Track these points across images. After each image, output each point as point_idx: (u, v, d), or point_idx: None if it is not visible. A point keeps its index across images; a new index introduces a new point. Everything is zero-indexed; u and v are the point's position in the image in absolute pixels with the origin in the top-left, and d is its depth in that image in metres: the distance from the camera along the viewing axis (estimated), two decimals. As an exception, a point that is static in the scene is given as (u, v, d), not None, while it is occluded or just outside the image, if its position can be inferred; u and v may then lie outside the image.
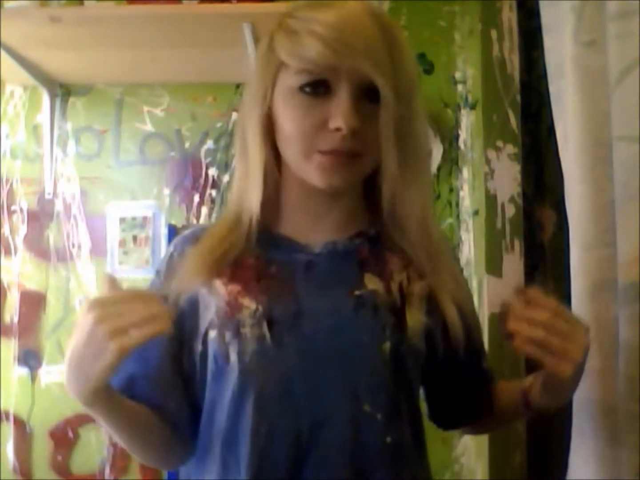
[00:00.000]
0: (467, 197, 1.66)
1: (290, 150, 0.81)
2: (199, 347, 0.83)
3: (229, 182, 1.70)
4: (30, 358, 1.71)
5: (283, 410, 0.78)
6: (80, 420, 1.69)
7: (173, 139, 1.76)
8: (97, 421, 0.79)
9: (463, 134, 1.69)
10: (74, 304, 1.72)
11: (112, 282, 0.73)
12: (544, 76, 1.40)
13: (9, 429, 1.70)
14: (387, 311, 0.81)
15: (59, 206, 1.75)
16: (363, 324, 0.80)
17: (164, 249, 1.67)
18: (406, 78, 0.79)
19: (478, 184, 1.59)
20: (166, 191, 1.75)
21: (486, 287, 1.52)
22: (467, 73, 1.69)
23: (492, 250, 1.54)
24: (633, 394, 1.07)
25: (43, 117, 1.75)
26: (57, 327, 1.72)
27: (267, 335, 0.78)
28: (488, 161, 1.55)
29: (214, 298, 0.82)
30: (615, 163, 1.14)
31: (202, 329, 0.82)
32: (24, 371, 1.71)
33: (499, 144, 1.56)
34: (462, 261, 1.67)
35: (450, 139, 1.70)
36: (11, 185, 1.76)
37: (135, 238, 1.73)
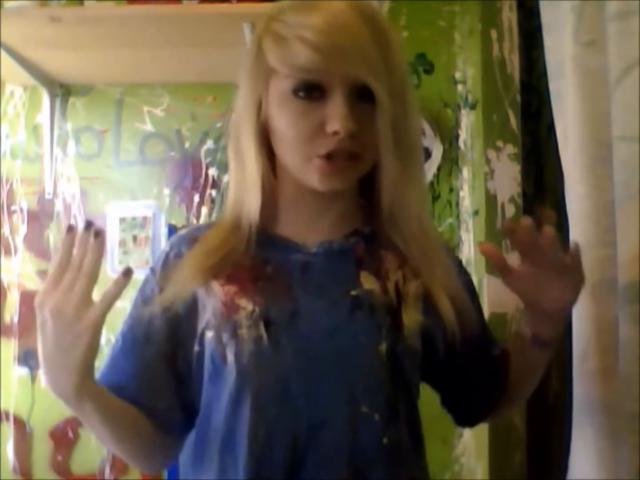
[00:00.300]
0: (467, 197, 1.66)
1: (289, 155, 0.81)
2: (195, 348, 0.82)
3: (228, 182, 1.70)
4: (30, 358, 1.71)
5: (281, 411, 0.78)
6: (80, 420, 1.69)
7: (173, 139, 1.76)
8: (83, 423, 0.79)
9: (463, 134, 1.69)
10: (74, 304, 1.72)
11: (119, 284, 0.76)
12: (544, 76, 1.40)
13: (9, 429, 1.70)
14: (383, 311, 0.81)
15: (59, 206, 1.75)
16: (359, 325, 0.80)
17: (164, 249, 1.67)
18: (398, 75, 0.79)
19: (478, 184, 1.59)
20: (166, 191, 1.75)
21: (486, 287, 1.52)
22: (467, 73, 1.69)
23: (492, 250, 1.54)
24: (633, 394, 1.07)
25: (43, 117, 1.74)
26: (57, 327, 1.71)
27: (264, 336, 0.78)
28: (488, 161, 1.55)
29: (210, 299, 0.82)
30: (615, 163, 1.14)
31: (198, 329, 0.82)
32: (24, 371, 1.71)
33: (499, 144, 1.56)
34: (462, 261, 1.67)
35: (450, 139, 1.70)
36: (11, 185, 1.76)
37: (135, 238, 1.73)
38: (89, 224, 0.75)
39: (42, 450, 1.70)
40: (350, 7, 0.77)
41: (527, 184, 1.59)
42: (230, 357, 0.78)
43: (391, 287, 0.83)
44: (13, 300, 1.73)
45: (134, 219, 1.73)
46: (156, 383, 0.84)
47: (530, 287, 0.85)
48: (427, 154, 1.68)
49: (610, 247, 1.16)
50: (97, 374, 0.83)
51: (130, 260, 1.72)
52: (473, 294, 0.95)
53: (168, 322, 0.83)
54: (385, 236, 0.86)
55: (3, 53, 1.53)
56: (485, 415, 1.00)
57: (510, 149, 1.55)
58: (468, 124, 1.67)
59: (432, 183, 1.69)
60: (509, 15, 1.58)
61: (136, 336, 0.85)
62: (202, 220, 1.72)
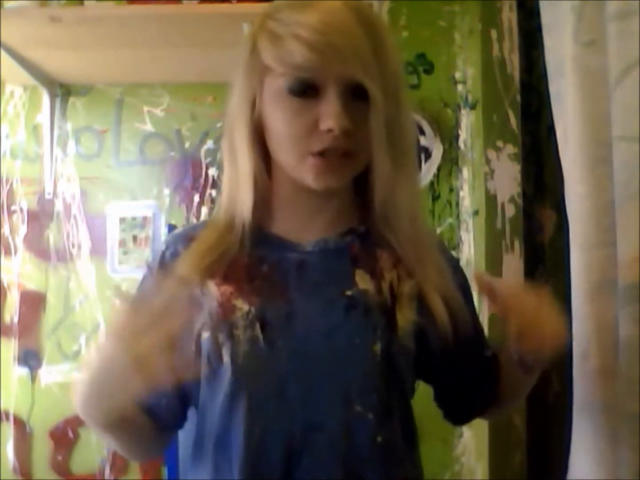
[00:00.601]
0: (467, 197, 1.66)
1: (283, 153, 0.81)
2: (192, 347, 0.82)
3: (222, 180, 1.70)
4: (30, 358, 1.71)
5: (276, 411, 0.78)
6: (80, 420, 1.66)
7: (173, 139, 1.76)
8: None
9: (463, 134, 1.69)
10: (74, 304, 1.72)
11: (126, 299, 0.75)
12: (544, 76, 1.40)
13: (9, 429, 1.70)
14: (377, 312, 0.81)
15: (59, 206, 1.75)
16: (354, 326, 0.80)
17: (164, 249, 1.67)
18: (392, 75, 0.79)
19: (478, 184, 1.59)
20: (166, 191, 1.75)
21: (486, 287, 1.52)
22: (467, 73, 1.69)
23: (492, 250, 1.54)
24: (633, 394, 1.07)
25: (43, 117, 1.74)
26: (57, 327, 1.72)
27: (260, 337, 0.78)
28: (488, 161, 1.55)
29: (206, 299, 0.82)
30: (615, 163, 1.14)
31: (195, 329, 0.82)
32: (24, 371, 1.71)
33: (499, 144, 1.56)
34: (462, 261, 1.67)
35: (450, 139, 1.69)
36: (11, 185, 1.76)
37: (135, 238, 1.73)
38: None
39: (42, 450, 1.70)
40: (346, 6, 0.77)
41: (527, 184, 1.59)
42: (226, 358, 0.79)
43: (386, 287, 0.83)
44: (13, 300, 1.73)
45: (134, 219, 1.73)
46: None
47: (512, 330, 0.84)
48: (427, 154, 1.68)
49: (610, 247, 1.16)
50: None
51: (131, 260, 1.72)
52: (468, 294, 0.94)
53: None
54: (380, 234, 0.87)
55: (3, 53, 1.53)
56: (476, 414, 1.00)
57: (510, 149, 1.55)
58: (468, 124, 1.67)
59: (432, 183, 1.69)
60: (509, 15, 1.58)
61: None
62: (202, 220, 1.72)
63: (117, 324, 0.73)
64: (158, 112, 1.76)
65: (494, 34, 1.58)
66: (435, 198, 1.70)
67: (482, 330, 0.97)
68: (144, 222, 1.73)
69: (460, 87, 1.70)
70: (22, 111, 1.77)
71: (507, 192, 1.55)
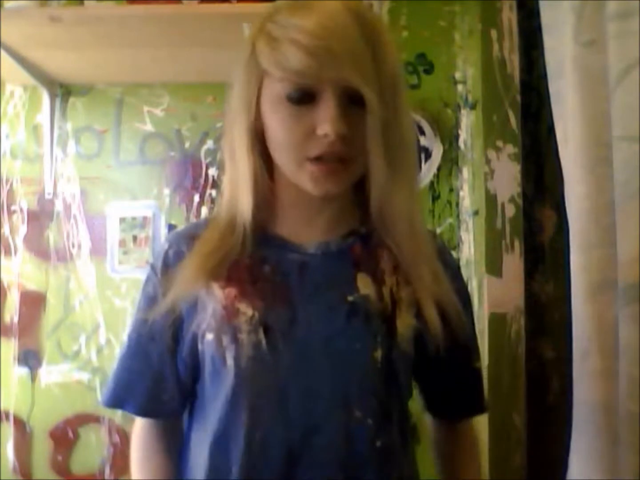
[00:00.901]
0: (467, 197, 1.66)
1: (282, 157, 0.81)
2: (197, 346, 0.84)
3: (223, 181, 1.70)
4: (30, 358, 1.71)
5: (277, 414, 0.79)
6: (80, 420, 1.69)
7: (173, 139, 1.76)
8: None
9: (463, 134, 1.69)
10: (74, 304, 1.72)
11: None
12: (544, 76, 1.40)
13: (9, 429, 1.70)
14: (378, 318, 0.82)
15: (59, 206, 1.75)
16: (355, 332, 0.81)
17: (164, 249, 1.67)
18: (391, 79, 0.79)
19: (478, 184, 1.59)
20: (166, 191, 1.75)
21: (486, 287, 1.52)
22: (467, 73, 1.69)
23: (492, 250, 1.54)
24: (633, 394, 1.07)
25: (43, 117, 1.74)
26: (57, 327, 1.72)
27: (263, 341, 0.79)
28: (488, 161, 1.55)
29: (211, 300, 0.82)
30: (616, 163, 1.14)
31: (199, 330, 0.83)
32: (24, 371, 1.71)
33: (499, 144, 1.56)
34: (462, 261, 1.67)
35: (450, 139, 1.69)
36: (11, 185, 1.76)
37: (135, 238, 1.73)
38: None
39: (42, 450, 1.70)
40: (345, 9, 0.76)
41: (527, 184, 1.59)
42: (230, 361, 0.80)
43: (387, 291, 0.84)
44: (13, 300, 1.73)
45: (134, 219, 1.73)
46: (162, 378, 0.87)
47: None
48: (427, 154, 1.68)
49: (610, 247, 1.17)
50: (110, 376, 0.90)
51: (131, 260, 1.72)
52: (465, 301, 0.93)
53: (171, 321, 0.84)
54: (380, 236, 0.87)
55: (3, 53, 1.53)
56: (456, 417, 0.98)
57: (510, 149, 1.55)
58: (468, 124, 1.67)
59: (432, 183, 1.69)
60: (509, 15, 1.58)
61: (142, 336, 0.88)
62: (202, 220, 1.72)
63: None
64: (158, 112, 1.76)
65: (494, 34, 1.58)
66: (435, 198, 1.70)
67: (475, 340, 0.96)
68: (144, 222, 1.73)
69: (460, 87, 1.70)
70: (22, 111, 1.77)
71: (507, 192, 1.55)
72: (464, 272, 1.64)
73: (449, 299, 0.85)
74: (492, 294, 1.51)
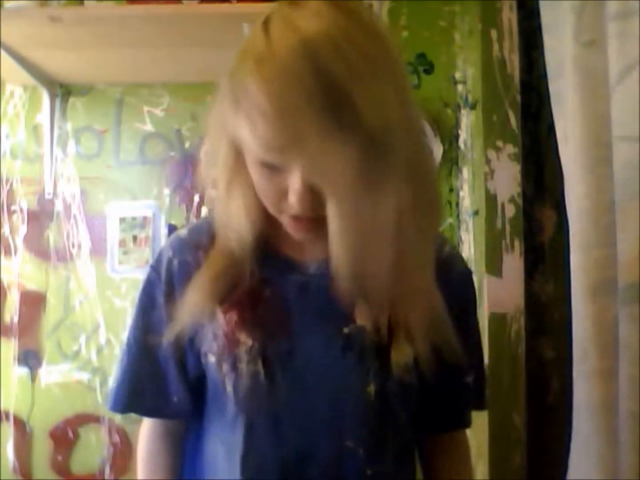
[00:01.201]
0: (467, 197, 1.67)
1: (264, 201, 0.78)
2: (201, 361, 0.85)
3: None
4: (30, 358, 1.71)
5: (272, 441, 0.81)
6: (80, 420, 1.69)
7: (173, 139, 1.76)
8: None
9: (463, 134, 1.69)
10: (74, 304, 1.72)
11: None
12: (544, 76, 1.40)
13: (9, 429, 1.70)
14: (372, 352, 0.81)
15: (59, 206, 1.75)
16: (349, 367, 0.81)
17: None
18: (385, 128, 0.67)
19: (478, 184, 1.59)
20: (166, 191, 1.75)
21: (486, 287, 1.52)
22: (467, 73, 1.69)
23: (492, 250, 1.54)
24: (633, 394, 1.07)
25: (43, 117, 1.74)
26: (57, 327, 1.72)
27: (262, 372, 0.81)
28: (488, 161, 1.55)
29: (212, 323, 0.83)
30: (616, 163, 1.14)
31: (202, 347, 0.84)
32: (24, 371, 1.71)
33: (499, 144, 1.56)
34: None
35: (450, 139, 1.70)
36: (11, 185, 1.76)
37: (135, 238, 1.73)
38: None
39: (42, 450, 1.70)
40: (310, 66, 0.64)
41: (527, 184, 1.59)
42: (229, 387, 0.82)
43: (384, 318, 0.81)
44: (13, 300, 1.73)
45: (134, 219, 1.73)
46: (170, 380, 0.87)
47: None
48: (427, 154, 1.68)
49: (610, 247, 1.17)
50: (115, 381, 0.90)
51: (131, 260, 1.72)
52: (471, 310, 0.92)
53: (179, 337, 0.84)
54: None
55: (3, 53, 1.53)
56: (436, 430, 0.96)
57: (510, 149, 1.55)
58: (468, 124, 1.67)
59: (432, 183, 1.69)
60: (509, 15, 1.58)
61: (146, 339, 0.87)
62: (202, 220, 1.72)
63: None
64: (158, 112, 1.76)
65: (494, 34, 1.58)
66: (435, 198, 1.69)
67: (473, 354, 0.93)
68: (144, 222, 1.73)
69: (460, 87, 1.70)
70: (22, 111, 1.77)
71: (507, 192, 1.55)
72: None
73: (442, 334, 0.82)
74: (492, 294, 1.51)
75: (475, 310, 0.94)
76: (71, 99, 1.77)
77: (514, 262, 1.53)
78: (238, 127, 0.71)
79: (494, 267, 1.53)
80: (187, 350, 0.85)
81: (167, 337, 0.83)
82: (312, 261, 0.84)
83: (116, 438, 1.68)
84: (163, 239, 1.71)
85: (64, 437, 1.69)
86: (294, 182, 0.70)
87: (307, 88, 0.65)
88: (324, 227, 0.73)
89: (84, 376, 1.70)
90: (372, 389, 0.81)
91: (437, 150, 1.68)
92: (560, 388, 1.52)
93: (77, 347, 1.71)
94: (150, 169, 1.76)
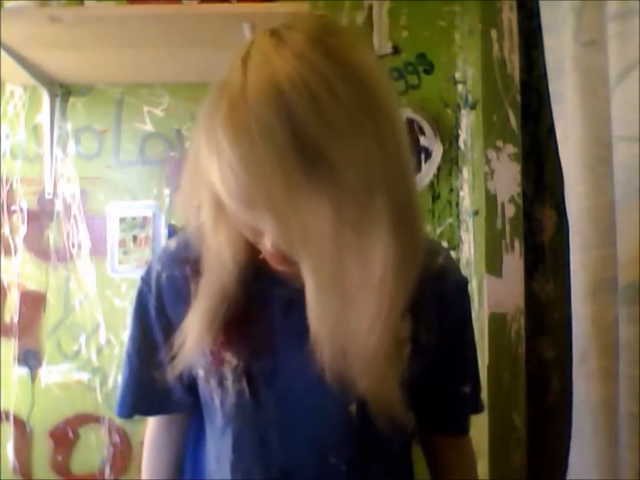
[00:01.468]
0: (467, 197, 1.67)
1: None
2: (193, 371, 0.86)
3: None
4: (30, 358, 1.71)
5: (257, 455, 0.84)
6: (80, 420, 1.69)
7: (173, 139, 1.76)
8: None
9: (463, 134, 1.69)
10: (74, 304, 1.72)
11: None
12: (544, 76, 1.40)
13: (9, 429, 1.70)
14: None
15: (59, 206, 1.75)
16: (330, 387, 0.78)
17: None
18: (353, 190, 0.62)
19: (478, 184, 1.59)
20: (166, 191, 1.75)
21: (486, 287, 1.52)
22: (467, 73, 1.69)
23: (492, 250, 1.54)
24: (633, 394, 1.07)
25: (43, 117, 1.74)
26: (57, 327, 1.72)
27: (247, 390, 0.83)
28: (488, 161, 1.55)
29: None
30: (615, 163, 1.14)
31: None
32: (24, 371, 1.71)
33: (499, 144, 1.56)
34: (462, 261, 1.67)
35: (450, 139, 1.70)
36: (11, 185, 1.76)
37: (135, 238, 1.73)
38: None
39: (42, 450, 1.70)
40: (278, 118, 0.60)
41: (527, 184, 1.59)
42: (217, 402, 0.85)
43: None
44: (13, 300, 1.73)
45: (134, 219, 1.73)
46: (168, 385, 0.88)
47: None
48: (427, 154, 1.68)
49: (610, 247, 1.16)
50: (118, 390, 0.93)
51: (131, 260, 1.72)
52: (465, 325, 0.91)
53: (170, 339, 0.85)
54: None
55: (3, 53, 1.53)
56: (433, 431, 0.96)
57: (510, 149, 1.55)
58: (468, 124, 1.67)
59: (432, 183, 1.69)
60: (509, 15, 1.58)
61: (145, 351, 0.90)
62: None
63: None
64: (158, 112, 1.76)
65: (494, 34, 1.58)
66: (435, 198, 1.70)
67: (469, 366, 0.93)
68: (144, 222, 1.73)
69: (460, 87, 1.70)
70: (22, 111, 1.77)
71: (507, 192, 1.55)
72: (464, 272, 1.64)
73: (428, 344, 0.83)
74: (492, 294, 1.51)
75: (471, 320, 0.93)
76: (71, 99, 1.77)
77: (514, 262, 1.53)
78: (211, 171, 0.65)
79: (494, 267, 1.53)
80: None
81: (172, 373, 0.84)
82: (298, 275, 0.78)
83: (116, 438, 1.68)
84: (163, 239, 1.71)
85: (64, 437, 1.69)
86: (266, 240, 0.68)
87: (278, 143, 0.59)
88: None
89: (84, 376, 1.70)
90: (353, 407, 0.82)
91: (437, 150, 1.68)
92: (560, 388, 1.52)
93: (77, 347, 1.71)
94: (150, 169, 1.76)
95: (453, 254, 1.68)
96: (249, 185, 0.62)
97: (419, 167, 1.68)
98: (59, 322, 1.72)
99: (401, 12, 1.72)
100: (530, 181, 1.61)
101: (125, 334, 0.93)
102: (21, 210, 1.75)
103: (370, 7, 1.72)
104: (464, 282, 0.91)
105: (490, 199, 1.55)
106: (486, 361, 1.49)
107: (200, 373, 0.85)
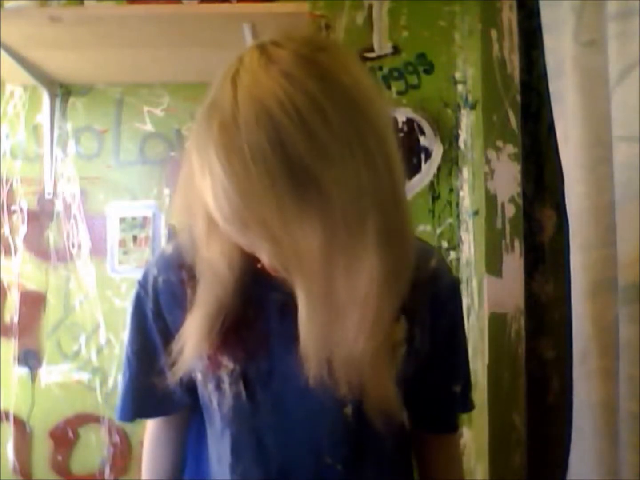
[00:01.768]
0: (467, 197, 1.67)
1: None
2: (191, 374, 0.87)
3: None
4: (30, 358, 1.71)
5: (255, 456, 0.85)
6: (80, 420, 1.69)
7: (173, 139, 1.76)
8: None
9: (463, 134, 1.69)
10: (74, 304, 1.72)
11: None
12: (544, 76, 1.40)
13: (9, 429, 1.70)
14: None
15: (59, 206, 1.75)
16: (325, 390, 0.78)
17: (164, 249, 1.67)
18: (344, 213, 0.62)
19: (478, 184, 1.59)
20: (166, 191, 1.75)
21: (486, 287, 1.52)
22: (467, 73, 1.69)
23: (492, 250, 1.54)
24: (633, 394, 1.07)
25: (43, 117, 1.74)
26: (57, 327, 1.72)
27: (243, 393, 0.84)
28: (488, 161, 1.55)
29: None
30: (615, 163, 1.14)
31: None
32: (24, 371, 1.71)
33: (499, 144, 1.56)
34: (462, 261, 1.67)
35: (450, 139, 1.70)
36: (11, 185, 1.76)
37: (135, 238, 1.73)
38: None
39: (42, 450, 1.70)
40: (277, 144, 0.60)
41: (527, 184, 1.59)
42: (215, 404, 0.86)
43: None
44: (13, 300, 1.73)
45: (134, 219, 1.73)
46: (169, 387, 0.88)
47: None
48: (427, 154, 1.68)
49: (610, 247, 1.17)
50: (119, 395, 0.93)
51: (131, 260, 1.72)
52: (456, 325, 0.91)
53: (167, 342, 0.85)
54: None
55: (3, 53, 1.53)
56: (423, 428, 0.96)
57: (510, 149, 1.55)
58: (468, 124, 1.67)
59: (432, 183, 1.69)
60: (509, 15, 1.58)
61: (144, 355, 0.90)
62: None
63: None
64: (158, 112, 1.76)
65: (494, 34, 1.58)
66: (435, 198, 1.70)
67: (461, 365, 0.94)
68: (144, 222, 1.73)
69: (460, 87, 1.70)
70: (22, 111, 1.77)
71: (507, 192, 1.55)
72: (464, 272, 1.64)
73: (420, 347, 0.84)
74: (492, 294, 1.51)
75: (463, 321, 0.94)
76: (71, 99, 1.77)
77: (514, 262, 1.53)
78: (204, 190, 0.65)
79: (494, 267, 1.53)
80: None
81: (172, 379, 0.84)
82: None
83: (116, 438, 1.68)
84: (163, 239, 1.71)
85: (64, 437, 1.69)
86: (262, 258, 0.69)
87: (270, 166, 0.60)
88: None
89: (84, 376, 1.70)
90: (349, 409, 0.82)
91: (437, 150, 1.68)
92: (560, 388, 1.52)
93: (77, 347, 1.71)
94: (150, 169, 1.76)
95: (453, 254, 1.68)
96: (242, 209, 0.63)
97: (419, 167, 1.68)
98: (59, 322, 1.72)
99: (401, 12, 1.72)
100: (530, 181, 1.61)
101: (125, 334, 0.93)
102: (21, 210, 1.75)
103: (370, 7, 1.72)
104: (456, 284, 0.93)
105: (490, 199, 1.55)
106: (486, 361, 1.48)
107: (199, 376, 0.86)
